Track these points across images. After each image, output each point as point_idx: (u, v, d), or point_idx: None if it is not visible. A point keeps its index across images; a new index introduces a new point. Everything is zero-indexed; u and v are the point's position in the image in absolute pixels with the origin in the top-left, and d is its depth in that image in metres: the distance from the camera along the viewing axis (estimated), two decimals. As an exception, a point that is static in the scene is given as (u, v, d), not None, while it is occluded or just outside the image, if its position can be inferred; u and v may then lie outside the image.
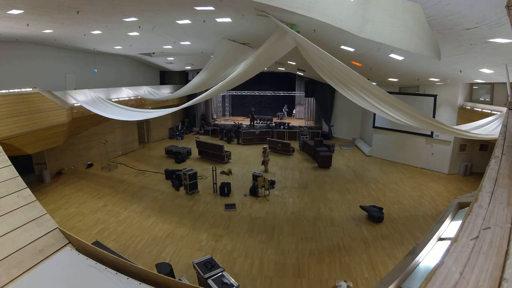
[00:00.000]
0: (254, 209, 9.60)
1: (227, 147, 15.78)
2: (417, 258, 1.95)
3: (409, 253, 2.11)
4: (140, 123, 18.21)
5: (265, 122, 22.16)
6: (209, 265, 5.62)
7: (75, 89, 13.39)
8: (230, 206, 9.71)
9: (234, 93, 25.57)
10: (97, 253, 2.50)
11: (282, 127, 20.79)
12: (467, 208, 1.59)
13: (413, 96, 14.22)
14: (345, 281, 4.89)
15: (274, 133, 20.14)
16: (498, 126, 6.86)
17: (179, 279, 4.50)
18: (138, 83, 17.82)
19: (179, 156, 14.97)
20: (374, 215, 8.67)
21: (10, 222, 2.53)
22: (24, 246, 2.41)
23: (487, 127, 7.28)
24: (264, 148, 13.44)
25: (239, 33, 8.97)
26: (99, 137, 14.71)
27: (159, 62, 17.67)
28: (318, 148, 15.02)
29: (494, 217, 1.20)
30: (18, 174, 3.06)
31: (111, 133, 15.43)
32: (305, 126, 20.78)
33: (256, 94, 24.82)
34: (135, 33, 9.60)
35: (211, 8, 6.36)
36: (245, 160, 15.39)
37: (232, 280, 5.30)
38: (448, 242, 1.28)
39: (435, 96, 13.07)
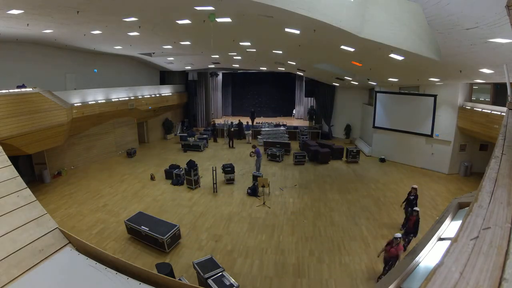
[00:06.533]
0: (254, 209, 9.60)
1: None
2: (417, 258, 1.94)
3: (409, 253, 2.10)
4: (140, 123, 18.22)
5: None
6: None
7: (75, 89, 13.41)
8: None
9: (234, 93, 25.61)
10: (97, 253, 2.50)
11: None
12: (467, 208, 1.59)
13: (413, 96, 14.23)
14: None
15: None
16: None
17: (179, 279, 4.51)
18: (138, 83, 17.84)
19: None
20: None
21: (10, 222, 2.52)
22: (24, 246, 2.41)
23: None
24: None
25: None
26: (99, 137, 14.71)
27: (159, 62, 17.67)
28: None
29: (494, 217, 1.20)
30: (18, 174, 3.06)
31: (111, 133, 15.43)
32: (305, 126, 20.79)
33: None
34: (135, 33, 9.60)
35: (211, 8, 6.36)
36: (245, 160, 15.40)
37: (232, 280, 5.30)
38: (448, 242, 1.28)
39: (435, 96, 13.07)
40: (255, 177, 11.34)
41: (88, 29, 9.14)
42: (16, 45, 11.24)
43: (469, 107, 11.83)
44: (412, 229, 7.13)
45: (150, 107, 17.33)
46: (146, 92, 17.36)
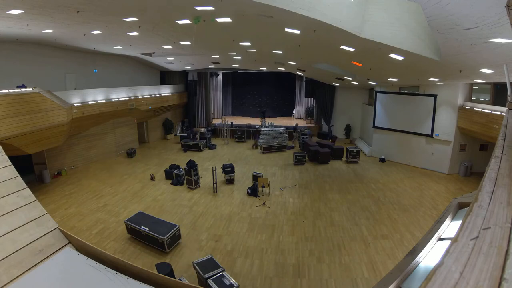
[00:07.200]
0: (254, 209, 9.60)
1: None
2: (417, 258, 1.94)
3: (409, 253, 2.10)
4: (140, 123, 18.21)
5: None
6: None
7: (75, 89, 13.41)
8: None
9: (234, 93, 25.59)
10: (97, 253, 2.50)
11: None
12: (467, 208, 1.59)
13: (413, 96, 14.23)
14: None
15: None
16: None
17: (179, 279, 4.51)
18: (138, 83, 17.83)
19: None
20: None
21: (10, 222, 2.52)
22: (24, 246, 2.41)
23: None
24: None
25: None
26: (99, 137, 14.71)
27: (159, 62, 17.66)
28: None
29: (494, 217, 1.20)
30: (18, 174, 3.05)
31: (111, 133, 15.43)
32: (305, 126, 20.78)
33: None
34: (135, 33, 9.60)
35: (211, 8, 6.36)
36: (245, 160, 15.40)
37: (232, 280, 5.30)
38: (448, 242, 1.27)
39: (435, 96, 13.07)
40: (255, 177, 11.34)
41: (88, 29, 9.14)
42: (16, 45, 11.24)
43: (469, 107, 11.83)
44: None
45: (150, 107, 17.34)
46: (146, 92, 17.37)
